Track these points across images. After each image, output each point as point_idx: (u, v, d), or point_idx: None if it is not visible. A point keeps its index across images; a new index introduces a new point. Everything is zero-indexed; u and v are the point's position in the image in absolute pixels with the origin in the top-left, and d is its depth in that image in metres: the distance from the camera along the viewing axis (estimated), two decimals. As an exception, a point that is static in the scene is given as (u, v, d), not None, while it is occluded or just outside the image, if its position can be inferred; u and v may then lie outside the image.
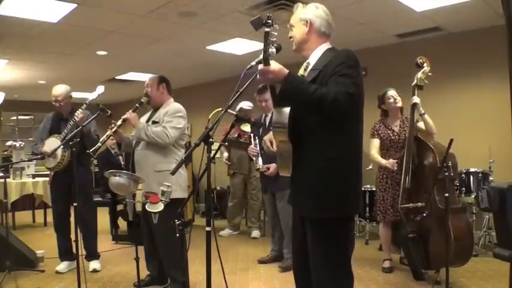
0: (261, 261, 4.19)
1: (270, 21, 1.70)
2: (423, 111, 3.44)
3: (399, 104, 3.66)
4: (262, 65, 1.75)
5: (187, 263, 3.27)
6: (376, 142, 3.71)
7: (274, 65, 1.75)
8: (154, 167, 3.12)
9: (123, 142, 3.32)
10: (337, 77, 1.77)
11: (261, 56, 1.83)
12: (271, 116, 3.78)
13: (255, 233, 5.48)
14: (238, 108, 4.95)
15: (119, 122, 3.12)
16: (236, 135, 5.12)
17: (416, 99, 3.40)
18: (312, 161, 1.86)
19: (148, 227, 3.21)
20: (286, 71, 1.76)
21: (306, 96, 1.73)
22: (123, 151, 3.42)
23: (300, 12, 1.98)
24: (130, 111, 3.18)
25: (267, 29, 1.71)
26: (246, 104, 5.04)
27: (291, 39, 2.02)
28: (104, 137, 3.12)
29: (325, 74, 1.82)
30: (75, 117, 3.52)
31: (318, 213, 1.86)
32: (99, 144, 3.10)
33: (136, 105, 3.20)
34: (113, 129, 3.10)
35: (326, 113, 1.76)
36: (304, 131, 1.87)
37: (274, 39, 1.74)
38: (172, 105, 3.28)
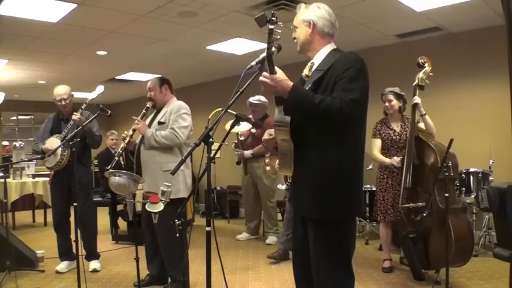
0: (271, 257, 4.13)
1: (274, 18, 1.70)
2: (424, 112, 3.44)
3: (391, 111, 3.69)
4: (266, 73, 1.76)
5: (188, 263, 3.27)
6: (378, 142, 3.71)
7: (280, 75, 1.76)
8: (162, 167, 3.13)
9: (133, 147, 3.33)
10: (345, 82, 1.77)
11: (261, 56, 1.84)
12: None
13: (271, 239, 4.99)
14: (247, 102, 4.85)
15: (130, 132, 3.18)
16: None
17: (417, 99, 3.41)
18: (314, 161, 1.85)
19: (150, 226, 3.21)
20: (290, 83, 1.77)
21: (311, 109, 1.74)
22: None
23: (303, 13, 1.96)
24: (139, 118, 3.19)
25: (271, 26, 1.71)
26: (254, 98, 4.88)
27: (295, 40, 2.00)
28: (119, 150, 3.15)
29: (331, 76, 1.82)
30: (74, 118, 3.54)
31: (320, 215, 1.86)
32: (116, 158, 3.11)
33: (144, 111, 3.24)
34: (126, 141, 3.15)
35: (334, 122, 1.77)
36: (306, 131, 1.87)
37: (278, 36, 1.74)
38: (175, 104, 3.31)
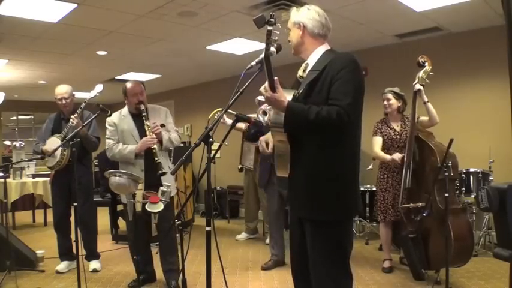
0: (264, 268, 3.99)
1: (272, 19, 1.71)
2: (426, 99, 3.41)
3: (389, 110, 3.69)
4: (268, 91, 1.80)
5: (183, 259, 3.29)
6: (378, 140, 3.71)
7: (279, 93, 1.80)
8: (169, 165, 3.41)
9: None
10: (340, 84, 1.78)
11: (261, 56, 1.84)
12: None
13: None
14: (256, 100, 4.81)
15: (154, 136, 3.17)
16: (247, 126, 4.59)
17: (418, 86, 3.39)
18: (311, 162, 1.86)
19: (142, 225, 3.25)
20: (285, 104, 1.79)
21: (308, 125, 1.77)
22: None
23: (294, 16, 1.99)
24: (154, 123, 3.21)
25: (269, 28, 1.72)
26: (262, 97, 4.78)
27: (290, 43, 2.03)
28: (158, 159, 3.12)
29: (326, 77, 1.83)
30: (71, 123, 3.54)
31: (318, 215, 1.86)
32: (158, 160, 3.09)
33: (144, 114, 3.22)
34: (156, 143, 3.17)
35: (333, 130, 1.79)
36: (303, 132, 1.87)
37: (277, 38, 1.75)
38: (162, 108, 3.51)
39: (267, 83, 1.81)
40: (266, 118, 3.43)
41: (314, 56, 1.96)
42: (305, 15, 1.95)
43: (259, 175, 4.24)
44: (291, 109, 1.79)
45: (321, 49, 1.97)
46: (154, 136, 3.15)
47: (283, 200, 3.88)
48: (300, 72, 2.00)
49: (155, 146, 3.12)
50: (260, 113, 3.58)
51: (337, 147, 1.84)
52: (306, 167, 1.87)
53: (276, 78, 1.80)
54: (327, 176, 1.84)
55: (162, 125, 3.30)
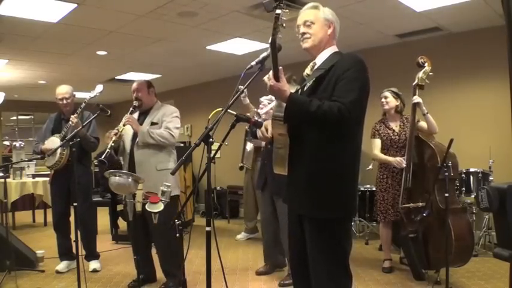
0: (260, 273, 3.83)
1: (282, 4, 1.71)
2: (426, 111, 3.43)
3: (386, 107, 3.70)
4: (272, 80, 1.80)
5: (183, 259, 3.28)
6: (377, 142, 3.71)
7: (283, 83, 1.79)
8: (157, 166, 3.24)
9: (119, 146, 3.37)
10: (345, 83, 1.79)
11: (261, 56, 1.84)
12: None
13: None
14: (260, 100, 4.76)
15: (121, 127, 3.20)
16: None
17: (417, 99, 3.40)
18: (311, 159, 1.86)
19: (143, 226, 3.24)
20: (288, 93, 1.79)
21: (309, 117, 1.78)
22: (120, 156, 3.45)
23: (325, 12, 1.99)
24: (129, 115, 3.24)
25: (278, 11, 1.71)
26: (266, 98, 4.74)
27: (304, 35, 1.97)
28: (111, 143, 3.14)
29: (333, 76, 1.84)
30: (71, 123, 3.54)
31: (318, 213, 1.86)
32: (108, 150, 3.12)
33: (132, 109, 3.29)
34: (118, 135, 3.18)
35: (334, 125, 1.79)
36: (304, 127, 1.88)
37: (284, 24, 1.73)
38: (168, 107, 3.43)
39: (271, 72, 1.80)
40: (260, 120, 3.43)
41: (322, 56, 1.98)
42: (334, 17, 2.00)
43: (258, 176, 4.18)
44: (292, 100, 1.79)
45: (330, 50, 1.99)
46: (115, 129, 3.20)
47: (274, 206, 3.74)
48: (307, 71, 2.02)
49: (113, 137, 3.16)
50: (255, 114, 3.60)
51: (338, 146, 1.84)
52: (306, 164, 1.87)
53: (280, 67, 1.79)
54: (328, 174, 1.84)
55: (153, 123, 3.31)
